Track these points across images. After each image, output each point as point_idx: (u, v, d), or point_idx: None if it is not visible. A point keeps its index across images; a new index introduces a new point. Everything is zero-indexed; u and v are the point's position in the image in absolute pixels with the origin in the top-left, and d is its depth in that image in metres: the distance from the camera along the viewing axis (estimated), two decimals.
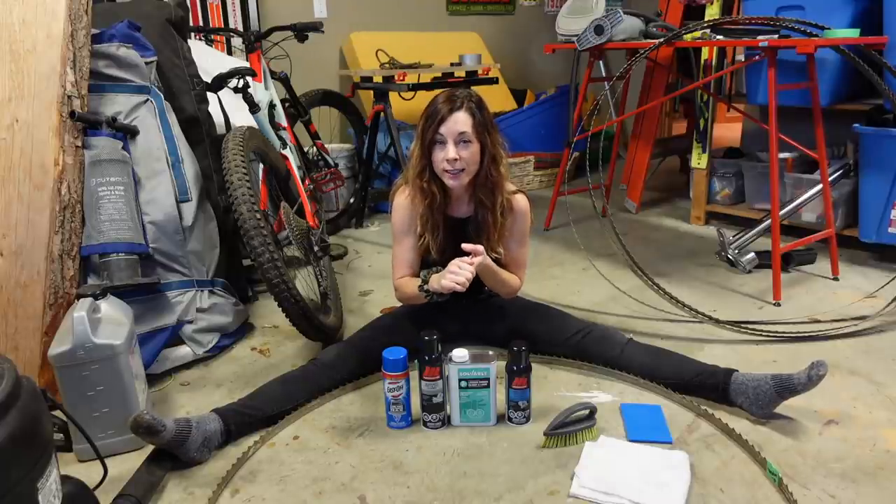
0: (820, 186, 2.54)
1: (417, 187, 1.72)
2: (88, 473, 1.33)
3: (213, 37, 3.29)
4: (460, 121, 1.62)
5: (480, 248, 1.62)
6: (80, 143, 1.79)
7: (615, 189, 3.72)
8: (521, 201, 1.77)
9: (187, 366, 1.92)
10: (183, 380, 1.86)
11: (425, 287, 1.71)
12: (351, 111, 3.50)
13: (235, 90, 2.31)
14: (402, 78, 3.19)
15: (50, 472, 1.01)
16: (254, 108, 2.33)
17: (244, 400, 1.61)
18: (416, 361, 1.56)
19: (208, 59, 2.65)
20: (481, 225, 1.74)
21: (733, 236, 2.64)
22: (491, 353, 1.57)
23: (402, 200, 1.77)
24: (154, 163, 1.93)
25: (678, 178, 4.17)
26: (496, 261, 1.75)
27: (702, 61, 3.13)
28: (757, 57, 2.55)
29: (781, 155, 2.85)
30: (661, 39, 2.62)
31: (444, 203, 1.75)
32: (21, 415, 0.94)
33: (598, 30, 2.80)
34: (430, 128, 1.64)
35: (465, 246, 1.61)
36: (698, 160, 3.18)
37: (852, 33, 2.24)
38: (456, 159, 1.62)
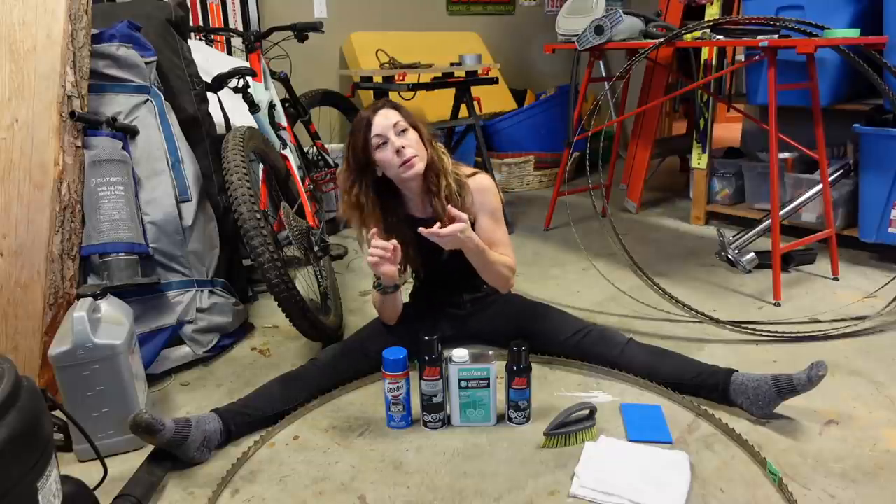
0: (820, 186, 2.54)
1: (347, 203, 1.71)
2: (88, 473, 1.33)
3: (213, 37, 3.29)
4: (389, 115, 1.64)
5: (463, 216, 1.57)
6: (80, 143, 1.79)
7: (615, 189, 3.72)
8: (480, 179, 1.76)
9: (187, 366, 1.92)
10: (183, 380, 1.86)
11: (377, 282, 1.69)
12: (351, 111, 3.50)
13: (235, 90, 2.31)
14: (402, 78, 3.19)
15: (50, 472, 1.00)
16: (254, 108, 2.33)
17: (244, 400, 1.61)
18: (416, 361, 1.56)
19: (208, 59, 2.65)
20: (442, 213, 1.66)
21: (733, 236, 2.63)
22: (491, 353, 1.57)
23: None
24: (154, 163, 1.93)
25: (678, 178, 4.17)
26: None
27: (702, 61, 3.13)
28: (757, 57, 2.55)
29: (781, 155, 2.85)
30: (661, 39, 2.62)
31: (402, 209, 1.75)
32: (21, 415, 0.94)
33: (598, 30, 2.80)
34: (360, 135, 1.64)
35: (451, 210, 1.57)
36: (698, 160, 3.18)
37: (852, 33, 2.24)
38: (403, 147, 1.62)
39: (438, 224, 1.58)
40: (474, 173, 1.77)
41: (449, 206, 1.60)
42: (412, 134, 1.65)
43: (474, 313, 1.90)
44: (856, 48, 2.32)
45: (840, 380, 1.73)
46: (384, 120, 1.63)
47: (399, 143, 1.62)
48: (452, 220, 1.57)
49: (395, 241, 1.60)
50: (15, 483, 0.92)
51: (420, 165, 1.65)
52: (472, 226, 1.67)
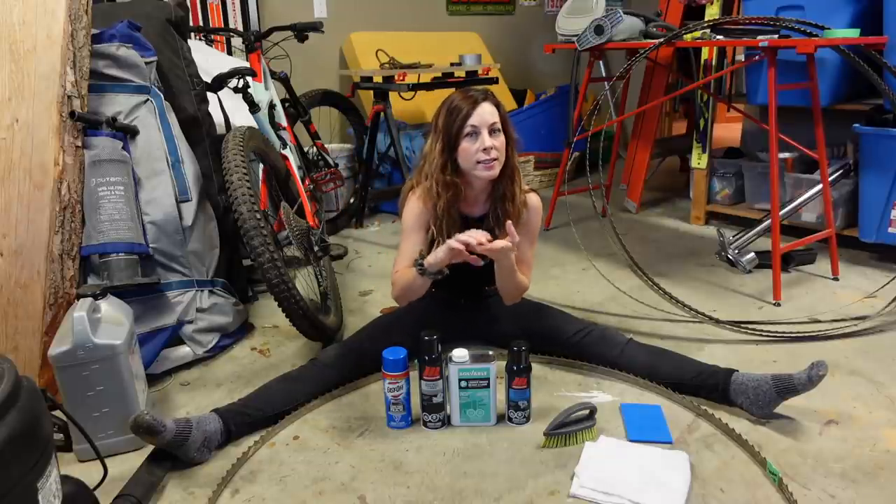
0: (820, 186, 2.54)
1: (440, 182, 1.66)
2: (88, 473, 1.33)
3: (213, 37, 3.29)
4: (488, 111, 1.62)
5: (516, 239, 1.58)
6: (80, 143, 1.79)
7: (615, 189, 3.72)
8: (534, 199, 1.77)
9: (187, 366, 1.92)
10: (183, 380, 1.86)
11: (420, 261, 1.61)
12: (351, 111, 3.50)
13: (235, 90, 2.31)
14: (402, 78, 3.18)
15: (50, 472, 1.00)
16: (254, 108, 2.33)
17: (244, 400, 1.61)
18: (416, 361, 1.56)
19: (208, 59, 2.65)
20: (501, 219, 1.69)
21: (733, 236, 2.64)
22: (491, 353, 1.57)
23: (416, 200, 1.73)
24: (154, 163, 1.93)
25: (678, 178, 4.17)
26: None
27: (702, 61, 3.13)
28: (757, 57, 2.55)
29: (781, 155, 2.85)
30: (661, 39, 2.62)
31: (457, 203, 1.73)
32: (21, 415, 0.94)
33: (598, 30, 2.80)
34: (458, 119, 1.62)
35: (509, 227, 1.56)
36: (698, 160, 3.18)
37: (852, 33, 2.24)
38: (492, 147, 1.61)
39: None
40: (529, 190, 1.78)
41: (508, 222, 1.59)
42: (502, 137, 1.65)
43: (475, 313, 1.90)
44: (856, 48, 2.32)
45: (840, 380, 1.73)
46: (484, 116, 1.61)
47: (489, 142, 1.61)
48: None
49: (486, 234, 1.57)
50: (15, 483, 0.92)
51: (496, 171, 1.65)
52: None
